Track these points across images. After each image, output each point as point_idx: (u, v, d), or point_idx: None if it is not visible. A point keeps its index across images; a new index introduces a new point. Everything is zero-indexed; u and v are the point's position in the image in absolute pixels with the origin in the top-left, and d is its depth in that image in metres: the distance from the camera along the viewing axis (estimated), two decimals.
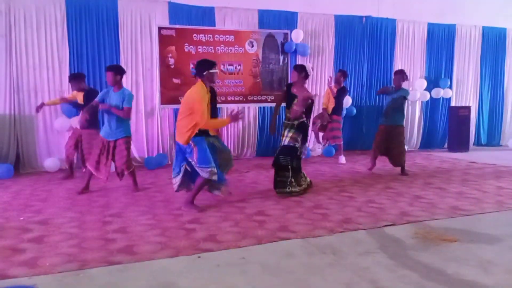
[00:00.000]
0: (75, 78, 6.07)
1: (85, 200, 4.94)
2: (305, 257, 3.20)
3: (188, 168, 4.53)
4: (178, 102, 7.46)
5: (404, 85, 6.60)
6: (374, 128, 9.01)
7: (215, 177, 4.40)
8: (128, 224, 3.98)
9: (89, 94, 5.78)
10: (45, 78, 6.86)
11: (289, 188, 5.03)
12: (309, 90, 5.62)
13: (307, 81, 5.34)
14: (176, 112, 7.62)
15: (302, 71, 5.11)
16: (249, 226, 3.91)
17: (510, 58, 10.29)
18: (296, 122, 5.04)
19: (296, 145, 5.00)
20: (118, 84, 5.20)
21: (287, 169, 5.01)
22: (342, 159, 7.74)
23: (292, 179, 5.03)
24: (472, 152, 9.14)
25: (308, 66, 5.27)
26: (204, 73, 4.39)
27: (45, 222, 4.07)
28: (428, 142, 9.83)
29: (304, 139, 5.13)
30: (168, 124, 7.68)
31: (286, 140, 5.03)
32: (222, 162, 4.73)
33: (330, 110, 7.52)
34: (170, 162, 7.65)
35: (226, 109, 8.11)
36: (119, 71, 5.22)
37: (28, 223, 4.03)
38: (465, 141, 9.43)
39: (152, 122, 7.61)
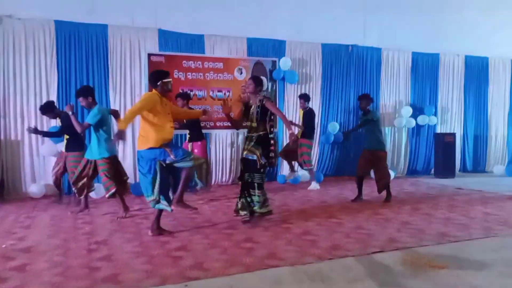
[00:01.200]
0: (48, 107, 5.89)
1: (70, 227, 4.84)
2: (294, 285, 3.16)
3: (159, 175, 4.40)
4: None
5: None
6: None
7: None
8: (113, 252, 3.90)
9: (67, 117, 5.49)
10: (32, 104, 6.84)
11: (258, 208, 4.88)
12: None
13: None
14: None
15: (260, 84, 5.04)
16: (237, 253, 3.86)
17: (493, 86, 10.56)
18: (255, 135, 4.88)
19: (254, 158, 4.78)
20: (93, 105, 5.26)
21: (252, 186, 4.86)
22: (313, 185, 7.62)
23: (260, 197, 4.86)
24: (458, 178, 9.24)
25: (264, 79, 5.21)
26: (158, 83, 4.42)
27: (28, 250, 3.97)
28: (414, 168, 9.92)
29: (266, 154, 4.85)
30: None
31: (244, 153, 4.89)
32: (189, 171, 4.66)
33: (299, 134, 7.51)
34: None
35: (215, 135, 8.13)
36: (88, 93, 5.27)
37: (11, 251, 3.93)
38: (451, 167, 9.55)
39: None
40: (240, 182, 5.07)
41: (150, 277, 3.27)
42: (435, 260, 3.67)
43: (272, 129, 4.96)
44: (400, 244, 4.19)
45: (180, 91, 7.62)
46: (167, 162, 4.37)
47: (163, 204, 4.41)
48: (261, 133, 4.88)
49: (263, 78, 5.09)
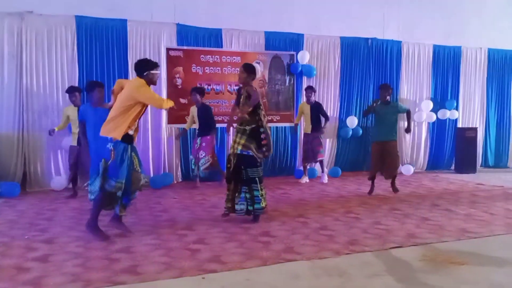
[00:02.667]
0: (76, 90, 6.00)
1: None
2: (312, 280, 3.15)
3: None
4: (185, 121, 7.50)
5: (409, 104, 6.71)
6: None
7: (119, 192, 4.08)
8: (132, 244, 3.96)
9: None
10: (54, 99, 6.96)
11: (259, 204, 4.70)
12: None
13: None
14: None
15: (253, 72, 4.79)
16: (254, 247, 3.88)
17: None
18: (248, 128, 4.69)
19: (250, 153, 4.64)
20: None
21: (254, 181, 4.69)
22: (325, 177, 7.84)
23: (262, 191, 4.73)
24: (479, 174, 9.06)
25: (257, 66, 4.93)
26: (145, 73, 4.11)
27: (50, 241, 4.06)
28: (434, 163, 9.75)
29: (259, 146, 4.71)
30: (173, 143, 7.71)
31: (238, 148, 4.66)
32: (133, 180, 4.24)
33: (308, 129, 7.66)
34: (175, 182, 7.66)
35: (232, 129, 8.12)
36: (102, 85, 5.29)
37: (33, 242, 4.02)
38: (472, 163, 9.36)
39: (159, 141, 7.65)
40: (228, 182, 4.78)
41: (168, 269, 3.31)
42: (454, 257, 3.61)
43: (260, 122, 4.72)
44: (419, 240, 4.14)
45: (198, 85, 7.67)
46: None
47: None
48: (253, 125, 4.69)
49: (256, 65, 4.88)
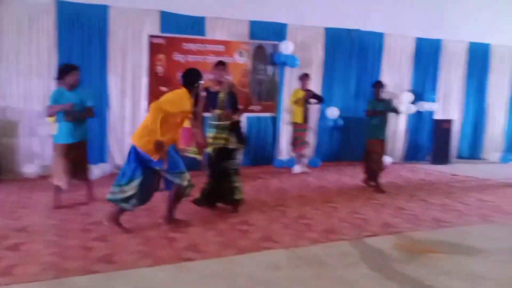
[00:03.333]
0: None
1: (66, 208, 4.86)
2: (290, 268, 3.18)
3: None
4: None
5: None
6: (361, 139, 9.10)
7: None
8: (109, 233, 3.92)
9: None
10: (34, 85, 6.80)
11: (238, 195, 4.78)
12: None
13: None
14: None
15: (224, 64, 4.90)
16: (232, 236, 3.89)
17: (494, 74, 10.46)
18: (227, 123, 4.79)
19: (233, 146, 4.76)
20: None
21: (235, 173, 4.79)
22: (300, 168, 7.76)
23: (240, 183, 4.81)
24: (454, 165, 9.24)
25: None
26: (195, 85, 4.15)
27: (24, 230, 3.99)
28: (412, 154, 9.90)
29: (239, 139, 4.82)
30: None
31: (222, 142, 4.75)
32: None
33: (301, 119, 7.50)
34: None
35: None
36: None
37: (6, 230, 3.95)
38: (448, 154, 9.55)
39: None
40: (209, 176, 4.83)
41: (145, 258, 3.30)
42: (430, 246, 3.69)
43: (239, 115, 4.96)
44: (395, 229, 4.22)
45: (179, 73, 7.58)
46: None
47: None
48: (233, 120, 4.82)
49: None
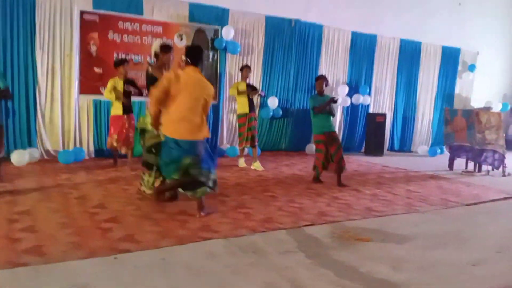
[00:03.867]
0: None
1: None
2: (227, 257, 3.18)
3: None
4: (99, 92, 7.04)
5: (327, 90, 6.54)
6: (299, 129, 9.31)
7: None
8: (37, 223, 3.67)
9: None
10: None
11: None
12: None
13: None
14: (96, 103, 7.24)
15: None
16: (170, 226, 3.81)
17: (423, 71, 11.14)
18: None
19: None
20: None
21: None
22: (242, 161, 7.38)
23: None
24: (386, 157, 9.77)
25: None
26: (199, 62, 4.10)
27: None
28: (347, 145, 10.31)
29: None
30: (87, 116, 7.24)
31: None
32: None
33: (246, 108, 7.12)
34: (87, 157, 7.23)
35: (147, 102, 7.84)
36: None
37: None
38: (380, 146, 10.06)
39: (69, 113, 7.13)
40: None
41: (77, 249, 3.12)
42: (361, 234, 3.86)
43: None
44: (329, 218, 4.36)
45: (115, 54, 7.24)
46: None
47: None
48: None
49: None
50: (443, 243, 3.79)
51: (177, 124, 3.97)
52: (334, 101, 6.09)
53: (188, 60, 4.08)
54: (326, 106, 6.03)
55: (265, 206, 4.68)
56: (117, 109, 6.37)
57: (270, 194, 5.26)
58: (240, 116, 7.17)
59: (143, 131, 4.61)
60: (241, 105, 7.14)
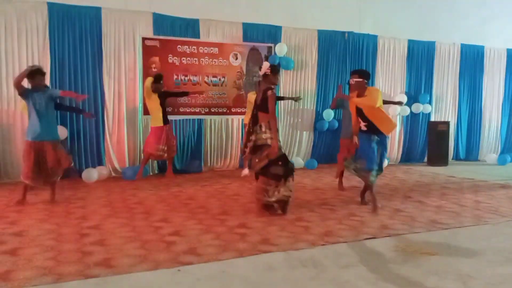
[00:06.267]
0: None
1: (62, 212, 4.83)
2: (286, 271, 3.18)
3: None
4: None
5: None
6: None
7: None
8: (106, 237, 3.90)
9: None
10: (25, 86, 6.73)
11: None
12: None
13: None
14: None
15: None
16: (230, 239, 3.88)
17: (488, 75, 10.58)
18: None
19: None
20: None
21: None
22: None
23: None
24: (450, 167, 9.31)
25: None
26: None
27: (20, 234, 3.96)
28: (408, 156, 9.97)
29: None
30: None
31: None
32: None
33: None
34: (151, 173, 7.58)
35: (210, 120, 8.10)
36: None
37: (3, 235, 3.91)
38: (444, 156, 9.60)
39: (134, 133, 7.54)
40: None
41: (143, 262, 3.28)
42: (425, 247, 3.70)
43: None
44: (391, 231, 4.23)
45: (175, 76, 7.61)
46: None
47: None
48: None
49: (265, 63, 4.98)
50: None
51: None
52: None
53: None
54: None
55: (324, 220, 4.63)
56: (157, 121, 6.85)
57: (328, 207, 5.20)
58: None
59: (261, 147, 4.76)
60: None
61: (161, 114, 6.95)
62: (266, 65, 4.85)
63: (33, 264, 3.22)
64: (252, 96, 7.16)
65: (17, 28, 6.65)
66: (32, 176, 5.02)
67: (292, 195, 4.82)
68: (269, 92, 4.72)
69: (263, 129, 4.71)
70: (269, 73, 4.82)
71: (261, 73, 4.86)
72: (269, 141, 4.66)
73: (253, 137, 4.78)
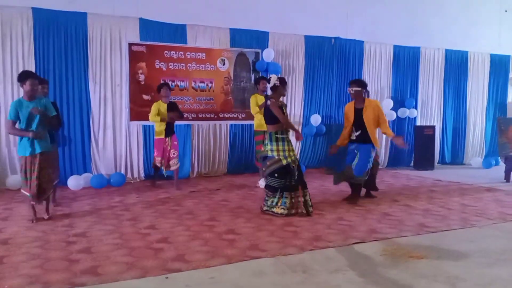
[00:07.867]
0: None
1: (48, 219, 4.75)
2: (275, 276, 3.17)
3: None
4: (148, 118, 7.33)
5: None
6: (343, 146, 9.18)
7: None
8: (93, 244, 3.85)
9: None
10: (9, 92, 6.65)
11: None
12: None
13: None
14: (146, 128, 7.55)
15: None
16: (219, 245, 3.86)
17: (472, 80, 10.75)
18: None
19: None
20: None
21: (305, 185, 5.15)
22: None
23: None
24: (437, 170, 9.41)
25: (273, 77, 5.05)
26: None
27: (5, 242, 3.88)
28: (395, 160, 10.04)
29: None
30: (137, 141, 7.55)
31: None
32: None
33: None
34: (138, 180, 7.51)
35: (197, 126, 8.07)
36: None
37: None
38: (430, 160, 9.70)
39: (121, 139, 7.47)
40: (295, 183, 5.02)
41: (131, 269, 3.24)
42: (414, 251, 3.73)
43: None
44: (380, 235, 4.25)
45: (162, 81, 7.55)
46: None
47: None
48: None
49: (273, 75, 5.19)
50: (502, 260, 3.58)
51: None
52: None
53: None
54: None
55: (313, 224, 4.63)
56: (159, 133, 6.66)
57: (317, 212, 5.21)
58: (258, 134, 6.90)
59: (264, 158, 5.11)
60: (261, 121, 6.37)
61: (163, 128, 6.63)
62: (274, 77, 5.05)
63: (20, 272, 3.16)
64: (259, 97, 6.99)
65: (2, 34, 6.56)
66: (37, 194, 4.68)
67: (287, 213, 4.90)
68: (268, 102, 4.88)
69: (266, 141, 5.11)
70: (279, 85, 5.04)
71: (270, 85, 5.06)
72: (269, 153, 4.99)
73: (262, 148, 5.27)
